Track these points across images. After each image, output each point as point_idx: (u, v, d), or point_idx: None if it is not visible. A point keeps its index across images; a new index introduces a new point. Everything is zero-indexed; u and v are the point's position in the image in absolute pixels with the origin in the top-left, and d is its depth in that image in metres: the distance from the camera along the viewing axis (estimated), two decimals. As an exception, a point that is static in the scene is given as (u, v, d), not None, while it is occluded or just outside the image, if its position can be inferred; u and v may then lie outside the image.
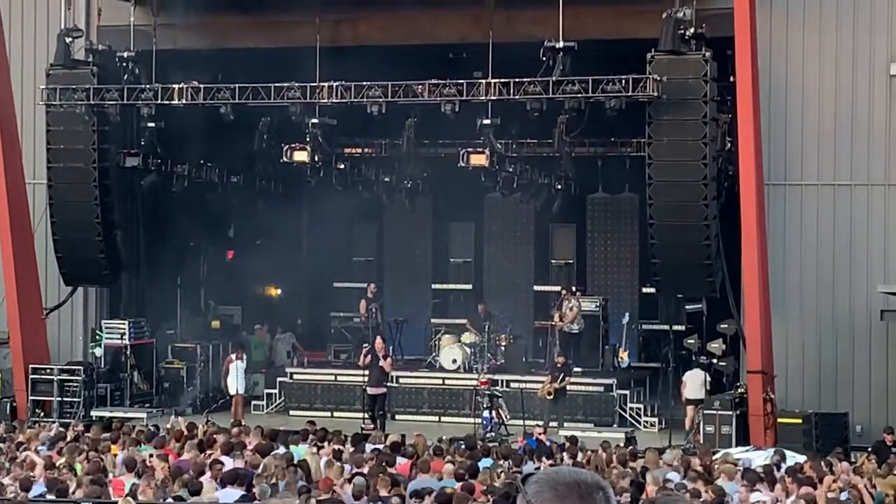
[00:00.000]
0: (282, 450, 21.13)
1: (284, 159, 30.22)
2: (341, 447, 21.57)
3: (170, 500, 16.98)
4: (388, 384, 30.20)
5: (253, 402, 31.57)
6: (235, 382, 30.49)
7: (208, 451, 20.93)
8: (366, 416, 28.82)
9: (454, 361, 31.58)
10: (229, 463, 19.53)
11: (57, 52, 30.40)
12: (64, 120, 30.40)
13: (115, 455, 20.48)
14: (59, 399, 30.58)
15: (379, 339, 29.70)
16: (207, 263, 36.24)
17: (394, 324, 33.61)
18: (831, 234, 28.23)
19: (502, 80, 27.40)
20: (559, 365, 29.09)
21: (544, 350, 32.39)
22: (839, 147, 28.15)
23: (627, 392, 30.20)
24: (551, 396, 28.62)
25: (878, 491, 19.03)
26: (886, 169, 27.95)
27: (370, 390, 29.00)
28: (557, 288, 32.67)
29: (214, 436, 22.61)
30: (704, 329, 29.06)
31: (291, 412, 30.99)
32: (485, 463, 20.06)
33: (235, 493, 17.25)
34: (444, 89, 27.76)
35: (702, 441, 26.19)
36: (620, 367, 31.96)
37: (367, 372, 29.09)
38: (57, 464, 19.63)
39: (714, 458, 22.15)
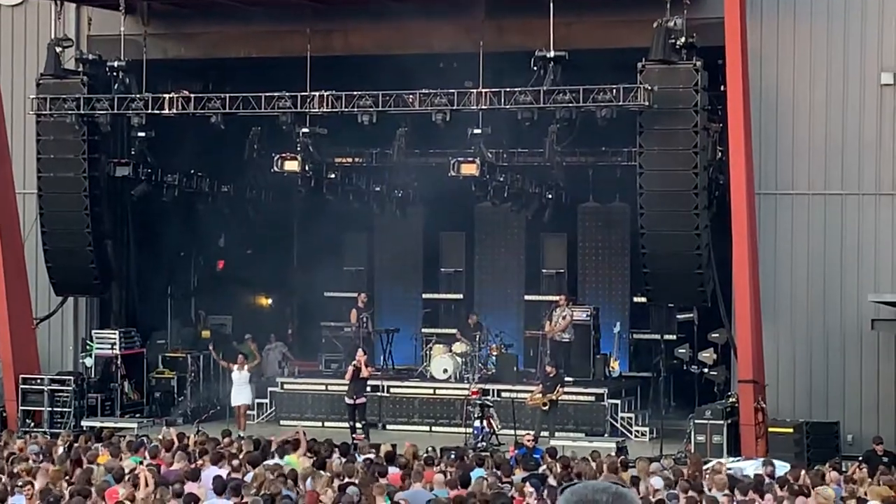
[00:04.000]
0: (272, 460, 21.08)
1: (275, 169, 30.18)
2: (330, 457, 21.50)
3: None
4: (379, 393, 30.17)
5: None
6: (236, 393, 30.26)
7: (198, 462, 20.87)
8: (356, 426, 28.68)
9: (445, 371, 31.55)
10: (219, 473, 19.47)
11: (47, 62, 30.35)
12: (54, 130, 30.36)
13: (101, 465, 20.38)
14: (50, 409, 30.50)
15: (360, 352, 29.59)
16: (198, 273, 36.20)
17: (384, 333, 33.56)
18: (822, 243, 28.23)
19: (493, 90, 27.39)
20: (550, 375, 29.06)
21: (535, 359, 32.36)
22: (830, 156, 28.15)
23: (618, 401, 30.17)
24: (546, 408, 28.58)
25: (868, 500, 19.00)
26: (877, 178, 27.96)
27: (348, 400, 28.94)
28: (548, 298, 32.65)
29: (204, 446, 22.55)
30: (695, 338, 29.08)
31: (282, 422, 30.93)
32: (477, 473, 20.02)
33: (226, 503, 17.20)
34: (435, 99, 27.74)
35: (693, 451, 26.15)
36: (611, 376, 31.94)
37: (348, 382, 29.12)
38: (48, 472, 19.54)
39: (705, 467, 22.12)
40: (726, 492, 18.34)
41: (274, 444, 23.02)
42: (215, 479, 18.27)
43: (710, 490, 18.50)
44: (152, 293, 34.13)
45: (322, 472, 19.62)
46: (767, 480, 19.97)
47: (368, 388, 29.65)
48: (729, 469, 21.68)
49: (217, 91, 30.07)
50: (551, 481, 19.44)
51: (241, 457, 21.10)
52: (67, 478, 19.09)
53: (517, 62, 27.44)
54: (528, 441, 24.94)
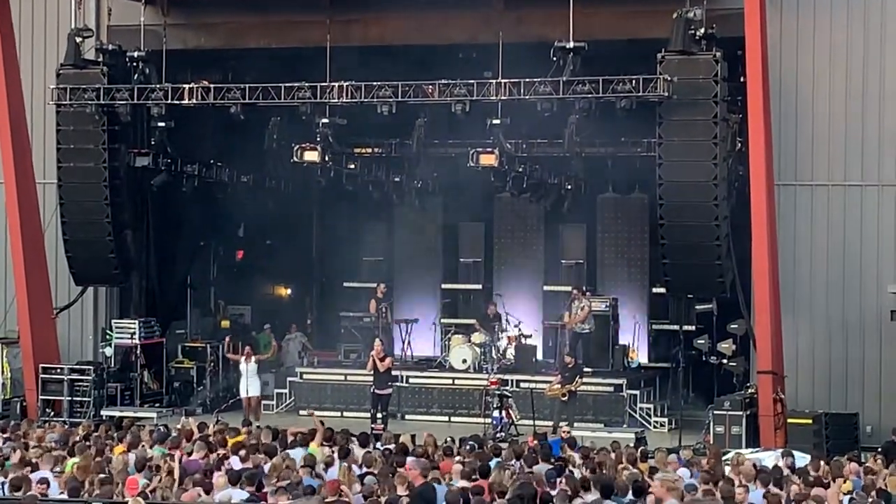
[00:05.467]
0: (291, 450, 21.12)
1: (295, 159, 30.22)
2: (349, 447, 21.53)
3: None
4: (398, 384, 30.19)
5: (263, 402, 31.41)
6: (247, 384, 30.29)
7: (219, 452, 20.92)
8: (378, 415, 28.71)
9: (464, 361, 31.59)
10: (237, 463, 19.54)
11: (67, 52, 30.41)
12: (74, 120, 30.41)
13: (120, 454, 20.43)
14: (70, 399, 30.60)
15: (377, 342, 29.60)
16: (217, 263, 36.28)
17: (404, 324, 33.59)
18: (842, 234, 28.19)
19: (512, 81, 27.37)
20: (569, 365, 29.07)
21: (554, 350, 32.38)
22: (849, 147, 28.10)
23: (637, 392, 30.18)
24: (565, 398, 28.60)
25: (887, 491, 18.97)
26: (897, 169, 27.94)
27: (376, 391, 28.99)
28: (567, 288, 32.63)
29: (224, 436, 22.60)
30: (714, 329, 29.04)
31: (301, 412, 30.97)
32: (495, 463, 20.00)
33: (243, 493, 17.25)
34: (455, 89, 27.74)
35: (712, 441, 26.16)
36: (630, 367, 31.97)
37: (373, 373, 29.15)
38: (69, 463, 19.63)
39: (724, 458, 22.11)
40: (754, 481, 18.31)
41: (289, 435, 23.06)
42: (230, 471, 18.34)
43: (738, 482, 18.46)
44: (172, 283, 34.20)
45: (343, 460, 19.67)
46: (786, 472, 19.94)
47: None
48: (748, 459, 21.64)
49: (237, 81, 30.10)
50: (569, 470, 19.44)
51: (259, 447, 21.12)
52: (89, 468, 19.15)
53: (537, 53, 27.42)
54: (564, 433, 24.97)
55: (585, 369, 29.84)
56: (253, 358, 30.54)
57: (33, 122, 31.36)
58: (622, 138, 31.66)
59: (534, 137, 31.81)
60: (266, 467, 19.09)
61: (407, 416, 30.66)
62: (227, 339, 32.42)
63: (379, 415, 28.69)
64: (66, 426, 26.51)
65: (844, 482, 19.17)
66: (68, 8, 31.36)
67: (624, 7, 28.70)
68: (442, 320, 34.17)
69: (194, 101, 29.12)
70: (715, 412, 27.09)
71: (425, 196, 34.58)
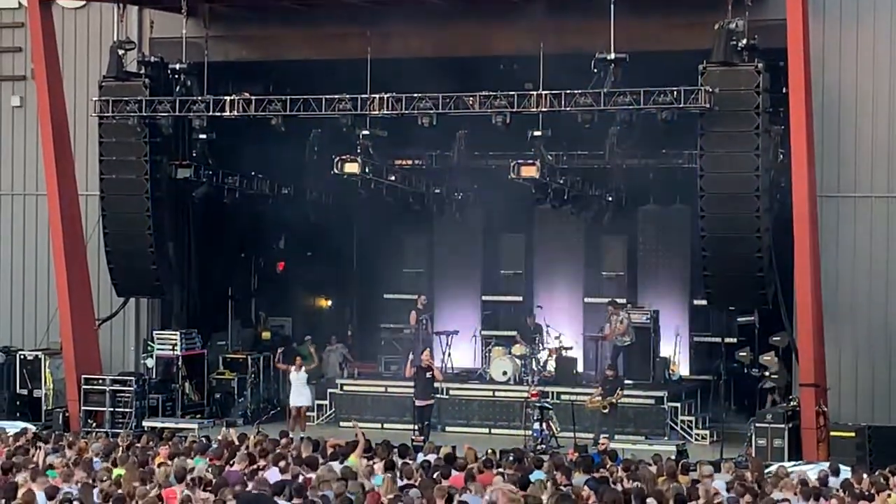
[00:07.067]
0: (331, 461, 21.12)
1: (335, 171, 30.24)
2: (393, 458, 21.51)
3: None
4: (439, 395, 30.19)
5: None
6: (297, 394, 30.30)
7: (260, 463, 20.94)
8: (415, 427, 28.78)
9: (504, 373, 31.54)
10: (276, 474, 19.54)
11: (109, 65, 30.59)
12: (116, 132, 30.57)
13: (160, 465, 20.48)
14: (112, 409, 30.71)
15: (426, 352, 29.69)
16: (258, 275, 36.38)
17: (444, 335, 33.59)
18: (885, 245, 28.04)
19: (553, 92, 27.34)
20: (610, 378, 29.00)
21: (595, 362, 32.31)
22: (893, 158, 27.96)
23: (679, 405, 30.07)
24: (606, 410, 28.52)
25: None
26: (941, 180, 27.79)
27: (418, 402, 29.02)
28: (608, 300, 32.55)
29: (263, 446, 22.63)
30: (757, 341, 28.92)
31: (342, 424, 31.00)
32: (537, 475, 19.97)
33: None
34: (495, 101, 27.72)
35: (754, 454, 26.03)
36: (671, 379, 31.84)
37: (413, 384, 29.15)
38: (113, 474, 19.67)
39: (766, 471, 21.99)
40: (795, 494, 18.21)
41: (329, 447, 23.04)
42: (274, 483, 18.34)
43: (780, 490, 18.37)
44: (213, 294, 34.31)
45: (388, 472, 19.65)
46: (830, 483, 19.82)
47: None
48: (790, 473, 21.52)
49: (278, 93, 30.17)
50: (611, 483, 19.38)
51: (290, 458, 21.08)
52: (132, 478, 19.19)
53: (577, 64, 27.39)
54: (602, 445, 24.92)
55: (626, 381, 29.75)
56: (303, 368, 30.65)
57: (76, 134, 31.55)
58: (663, 150, 31.58)
59: (575, 149, 31.77)
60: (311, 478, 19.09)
61: (447, 428, 30.65)
62: (281, 352, 32.26)
63: (419, 426, 28.71)
64: (109, 437, 26.61)
65: (889, 496, 19.03)
66: (111, 21, 31.55)
67: (665, 18, 28.63)
68: (482, 332, 34.14)
69: (235, 113, 29.21)
70: (757, 425, 26.95)
71: (466, 208, 34.57)
